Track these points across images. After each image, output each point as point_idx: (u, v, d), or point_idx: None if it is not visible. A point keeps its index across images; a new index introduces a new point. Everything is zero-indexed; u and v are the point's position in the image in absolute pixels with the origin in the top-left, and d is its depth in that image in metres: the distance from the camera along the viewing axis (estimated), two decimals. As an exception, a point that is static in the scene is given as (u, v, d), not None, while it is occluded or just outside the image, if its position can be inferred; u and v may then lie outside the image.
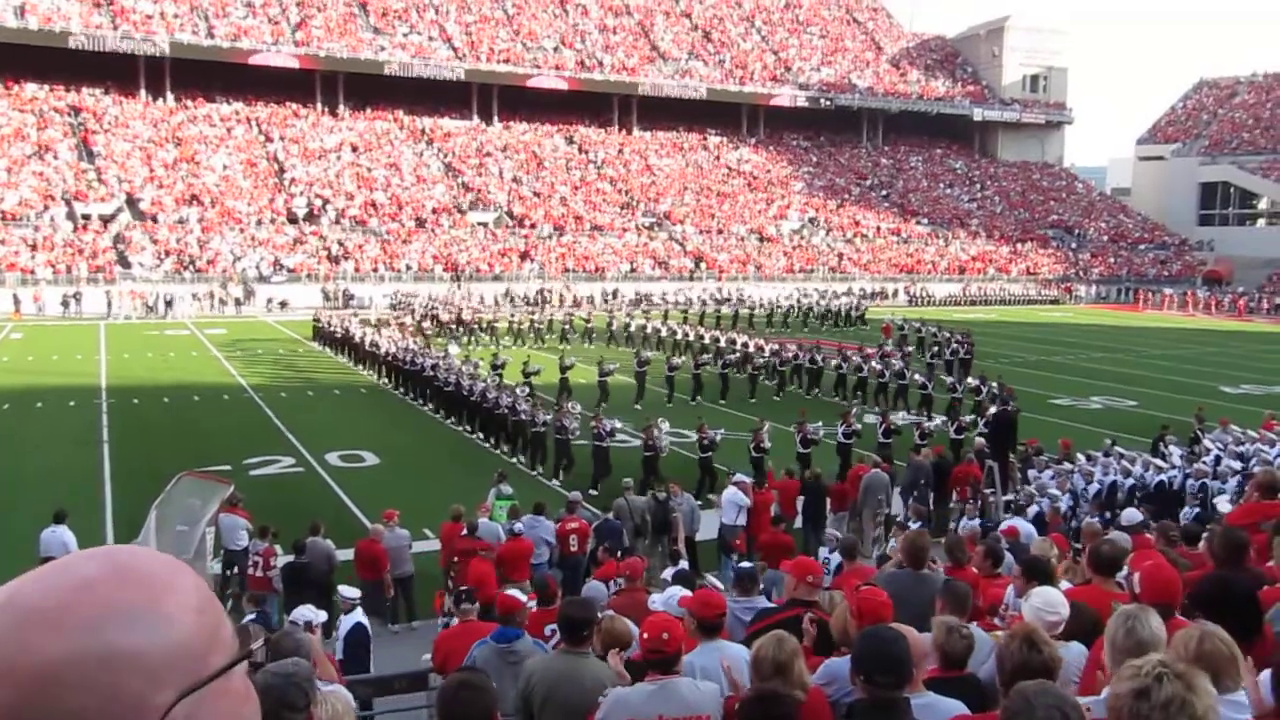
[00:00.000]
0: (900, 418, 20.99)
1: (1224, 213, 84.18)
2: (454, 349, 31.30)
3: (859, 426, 18.78)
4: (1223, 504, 11.82)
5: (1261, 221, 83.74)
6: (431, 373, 24.86)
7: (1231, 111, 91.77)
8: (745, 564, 8.35)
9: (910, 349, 33.26)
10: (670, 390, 26.41)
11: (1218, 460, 15.43)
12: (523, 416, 19.48)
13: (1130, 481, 14.94)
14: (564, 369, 25.41)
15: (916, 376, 26.35)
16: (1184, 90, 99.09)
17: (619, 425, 18.69)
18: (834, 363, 28.02)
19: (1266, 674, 3.02)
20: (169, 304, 47.34)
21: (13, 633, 0.91)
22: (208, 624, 0.99)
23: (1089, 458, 16.22)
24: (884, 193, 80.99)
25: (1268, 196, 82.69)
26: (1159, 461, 15.76)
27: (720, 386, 26.95)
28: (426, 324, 39.12)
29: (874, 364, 27.31)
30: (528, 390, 22.31)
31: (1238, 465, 14.97)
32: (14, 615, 0.92)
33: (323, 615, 7.55)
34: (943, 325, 37.55)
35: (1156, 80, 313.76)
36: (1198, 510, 13.24)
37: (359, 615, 9.17)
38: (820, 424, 18.55)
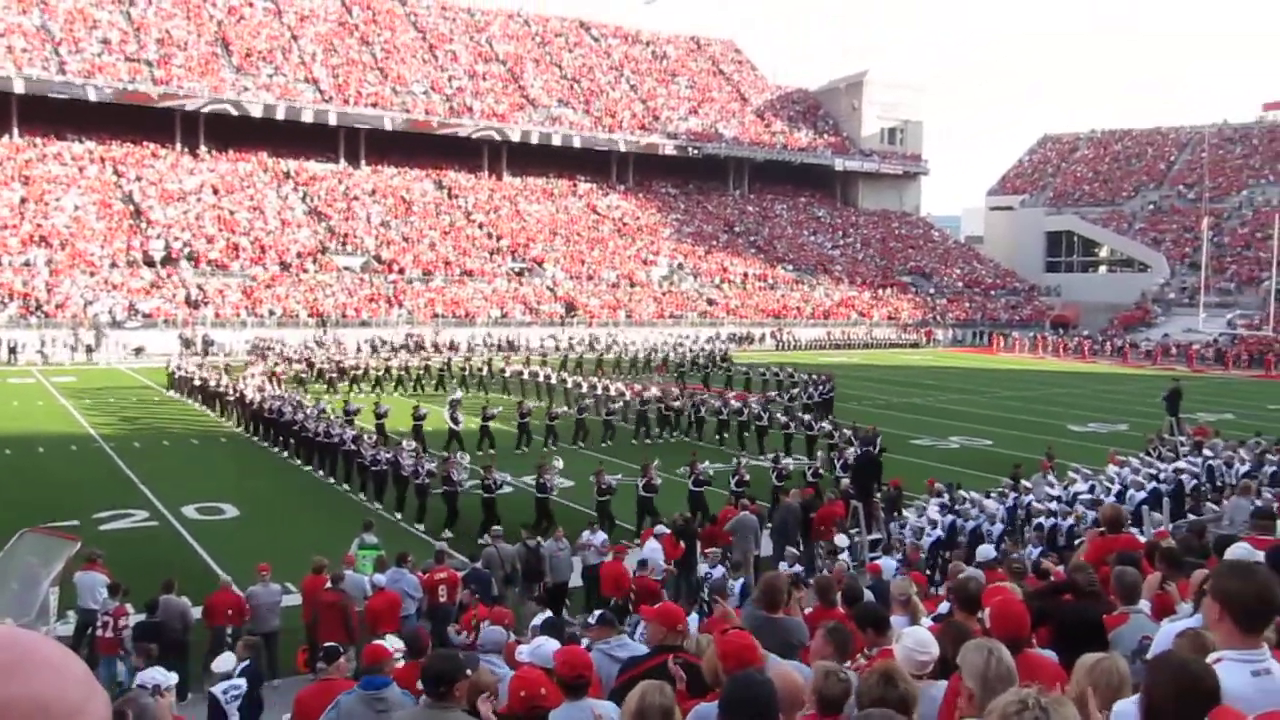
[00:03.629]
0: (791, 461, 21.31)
1: (1069, 260, 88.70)
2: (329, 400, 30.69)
3: (712, 473, 19.08)
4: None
5: (1103, 269, 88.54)
6: (280, 414, 24.45)
7: (1073, 165, 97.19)
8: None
9: (773, 393, 33.88)
10: (533, 436, 26.27)
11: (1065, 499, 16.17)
12: (365, 456, 19.45)
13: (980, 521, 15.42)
14: (454, 420, 25.32)
15: (780, 417, 26.93)
16: (1030, 145, 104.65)
17: (509, 478, 18.43)
18: (693, 405, 28.46)
19: (1130, 701, 3.15)
20: (13, 350, 44.99)
21: None
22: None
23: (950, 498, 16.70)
24: (751, 239, 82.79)
25: (1108, 245, 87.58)
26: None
27: (579, 431, 26.97)
28: (281, 368, 38.07)
29: (734, 404, 27.92)
30: (407, 435, 22.00)
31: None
32: None
33: (174, 677, 7.21)
34: (798, 368, 38.48)
35: (1004, 135, 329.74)
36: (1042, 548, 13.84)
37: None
38: (708, 463, 18.69)
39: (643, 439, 27.34)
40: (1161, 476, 17.63)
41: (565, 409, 28.91)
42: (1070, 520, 14.71)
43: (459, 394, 30.94)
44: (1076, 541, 13.04)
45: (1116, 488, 16.70)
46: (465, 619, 9.88)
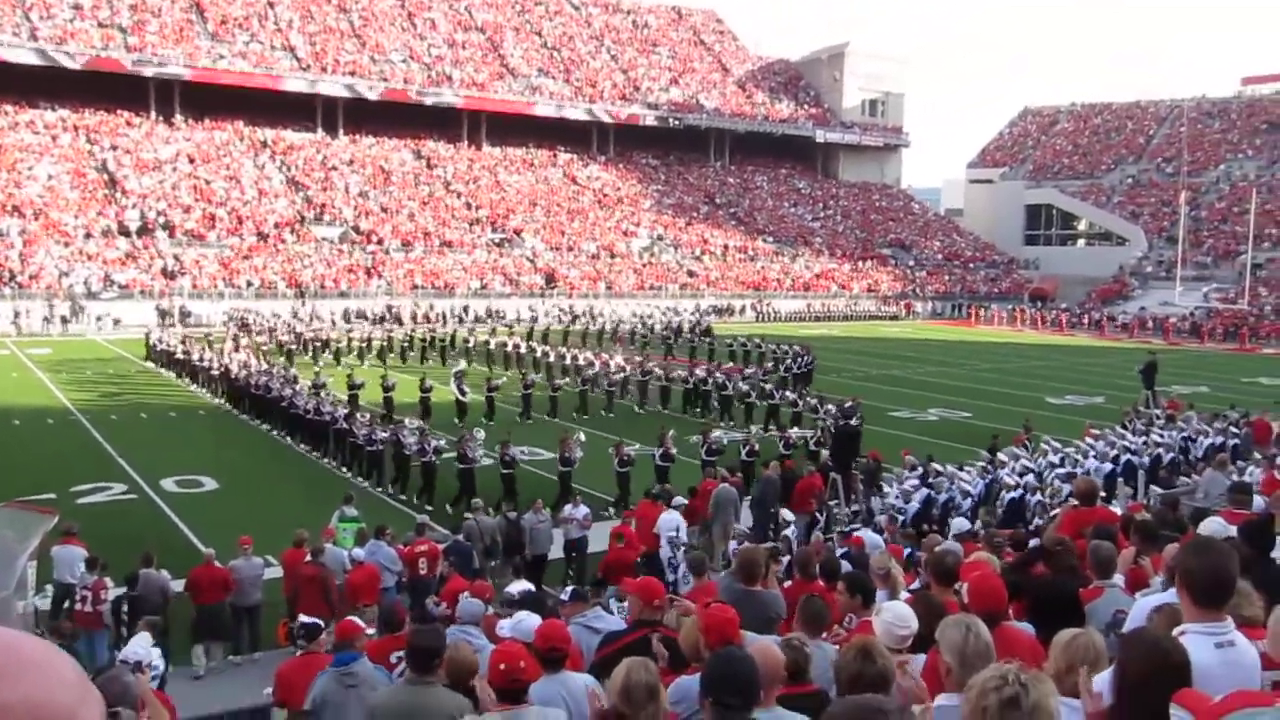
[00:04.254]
0: (755, 432, 21.39)
1: (1048, 233, 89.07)
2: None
3: (720, 445, 19.13)
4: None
5: (1081, 242, 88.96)
6: (274, 392, 24.10)
7: (1053, 139, 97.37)
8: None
9: (760, 366, 33.91)
10: (526, 408, 26.31)
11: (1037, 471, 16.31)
12: (358, 435, 19.21)
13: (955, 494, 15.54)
14: (424, 390, 25.24)
15: (767, 388, 27.02)
16: (1010, 118, 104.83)
17: (482, 446, 18.44)
18: (680, 375, 28.58)
19: (1105, 675, 3.20)
20: (-13, 322, 44.56)
21: None
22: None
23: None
24: (731, 211, 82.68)
25: (1086, 219, 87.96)
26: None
27: (578, 403, 27.04)
28: (264, 340, 37.98)
29: (718, 378, 27.89)
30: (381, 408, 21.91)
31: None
32: None
33: (155, 652, 7.20)
34: (781, 341, 38.60)
35: (985, 108, 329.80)
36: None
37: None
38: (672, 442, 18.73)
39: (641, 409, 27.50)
40: (1134, 449, 17.83)
41: (565, 380, 29.00)
42: (1040, 496, 14.83)
43: (462, 365, 30.81)
44: (1051, 515, 13.18)
45: (1090, 461, 16.84)
46: (445, 591, 9.93)
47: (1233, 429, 19.99)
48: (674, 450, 18.13)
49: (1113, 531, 6.73)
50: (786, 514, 14.46)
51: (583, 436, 18.77)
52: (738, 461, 18.17)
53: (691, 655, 4.69)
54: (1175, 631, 3.35)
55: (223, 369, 28.65)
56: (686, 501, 14.11)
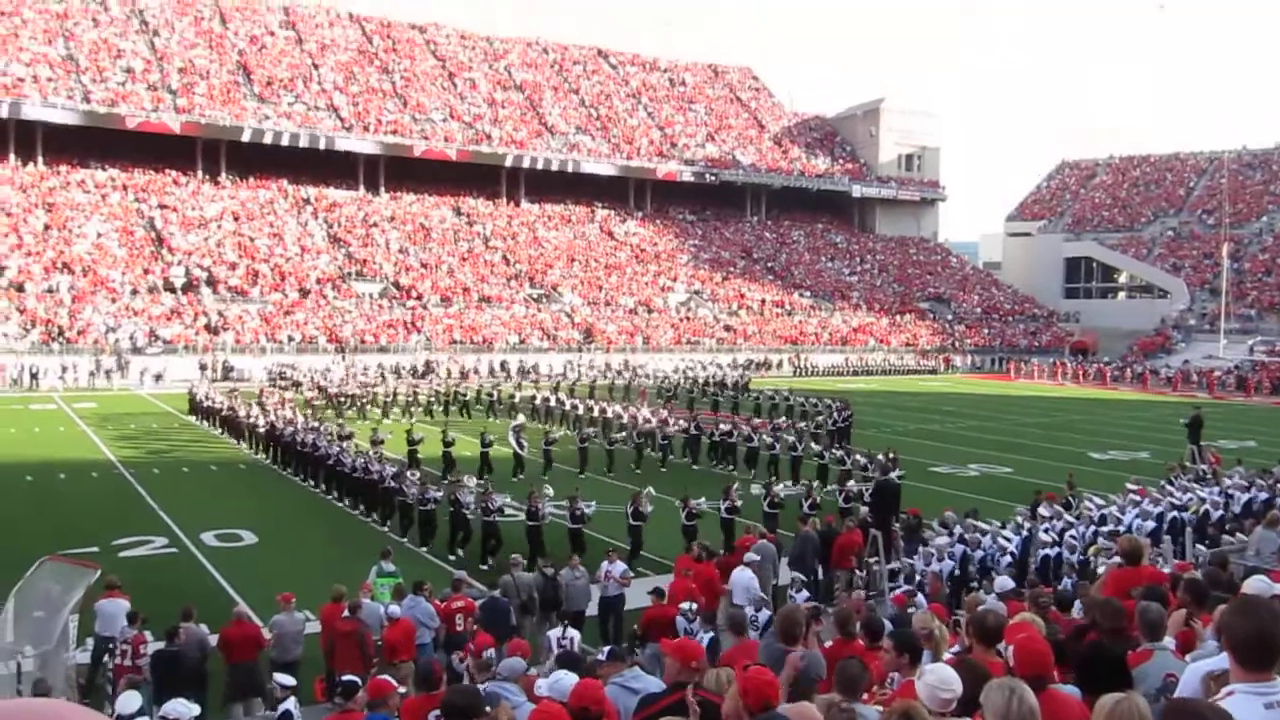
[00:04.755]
0: (782, 489, 21.18)
1: (1088, 286, 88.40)
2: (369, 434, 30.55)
3: (740, 502, 18.95)
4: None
5: (1122, 294, 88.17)
6: (315, 448, 24.20)
7: (1092, 191, 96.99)
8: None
9: (799, 421, 33.70)
10: (548, 462, 26.22)
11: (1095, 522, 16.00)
12: (409, 494, 19.04)
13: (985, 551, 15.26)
14: (446, 444, 25.29)
15: (814, 445, 26.78)
16: (1048, 171, 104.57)
17: (508, 499, 18.45)
18: (723, 430, 28.41)
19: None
20: (35, 376, 45.37)
21: None
22: None
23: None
24: (768, 265, 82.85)
25: (1126, 271, 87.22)
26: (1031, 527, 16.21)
27: (606, 459, 26.96)
28: (312, 395, 38.38)
29: (765, 436, 27.65)
30: (413, 465, 21.96)
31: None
32: None
33: (195, 709, 7.20)
34: (821, 395, 38.43)
35: (1022, 161, 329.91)
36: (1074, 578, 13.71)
37: (290, 704, 8.79)
38: (704, 498, 18.60)
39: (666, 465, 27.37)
40: (1180, 505, 17.47)
41: (593, 431, 29.01)
42: (1076, 555, 14.52)
43: (521, 419, 30.83)
44: (1077, 574, 12.91)
45: (1129, 518, 16.42)
46: (468, 648, 9.88)
47: (1278, 485, 19.55)
48: (739, 503, 18.47)
49: (1163, 592, 6.59)
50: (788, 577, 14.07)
51: (652, 491, 18.69)
52: (761, 516, 18.23)
53: (734, 718, 4.62)
54: (1223, 692, 3.28)
55: (268, 425, 28.53)
56: (757, 558, 13.85)
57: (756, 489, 20.89)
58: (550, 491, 18.59)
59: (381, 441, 24.73)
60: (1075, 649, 5.57)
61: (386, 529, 19.72)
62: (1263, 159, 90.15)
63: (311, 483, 24.30)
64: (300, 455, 25.37)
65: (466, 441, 27.12)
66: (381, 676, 6.64)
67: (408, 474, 20.33)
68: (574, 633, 11.04)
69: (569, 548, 16.22)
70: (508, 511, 18.11)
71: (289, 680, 8.96)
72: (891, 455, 22.23)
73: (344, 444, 23.99)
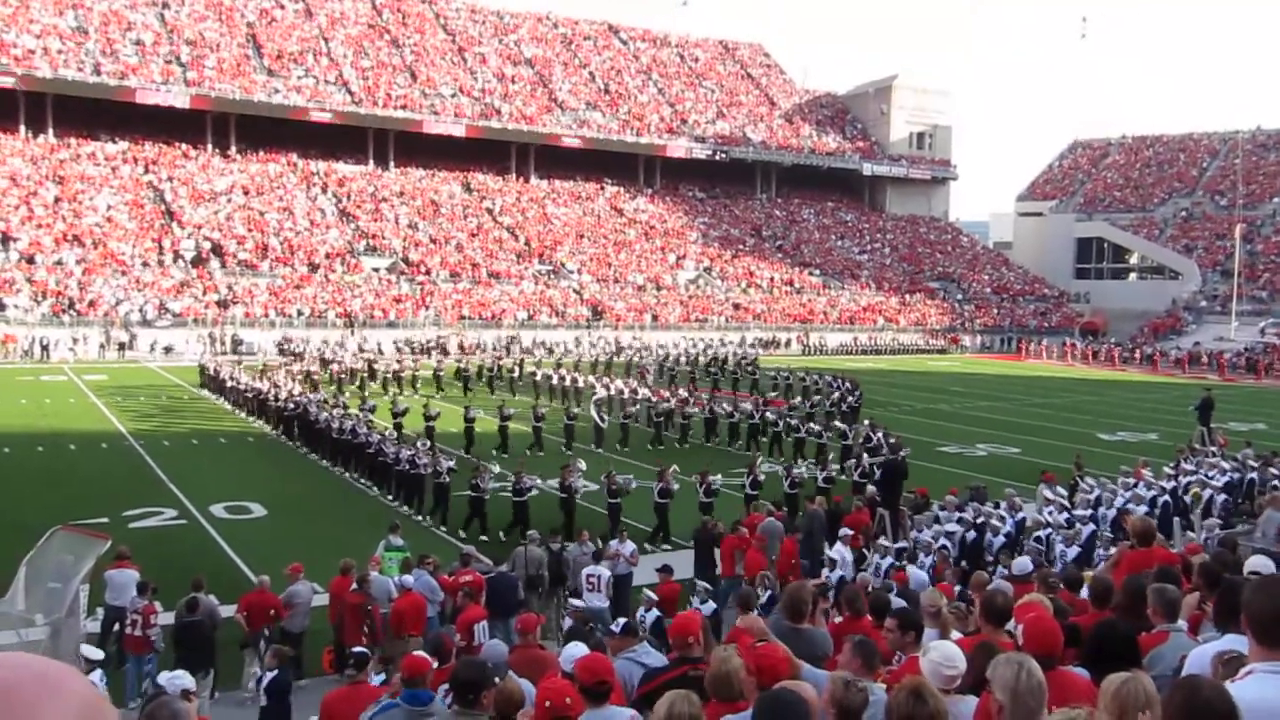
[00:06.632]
0: (805, 469, 21.20)
1: (1099, 267, 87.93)
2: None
3: (763, 477, 18.99)
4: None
5: (1133, 275, 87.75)
6: (323, 421, 24.28)
7: (1104, 171, 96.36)
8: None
9: (798, 399, 33.57)
10: (569, 439, 26.33)
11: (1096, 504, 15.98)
12: (422, 469, 19.09)
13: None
14: (468, 419, 25.51)
15: (813, 425, 26.74)
16: (1059, 150, 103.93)
17: (538, 481, 18.32)
18: (726, 410, 28.44)
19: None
20: (45, 348, 45.52)
21: None
22: None
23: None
24: (778, 244, 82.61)
25: (1138, 252, 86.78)
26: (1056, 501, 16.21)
27: (620, 435, 27.00)
28: (316, 370, 38.40)
29: (768, 414, 27.63)
30: (428, 440, 22.04)
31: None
32: None
33: (190, 680, 7.21)
34: (829, 374, 38.35)
35: (1034, 140, 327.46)
36: (1077, 552, 13.71)
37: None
38: (720, 475, 18.63)
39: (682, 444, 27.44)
40: (1175, 489, 17.45)
41: (580, 409, 29.08)
42: (1064, 535, 14.51)
43: (601, 392, 31.10)
44: (1097, 555, 12.89)
45: (1118, 502, 16.27)
46: (459, 621, 9.94)
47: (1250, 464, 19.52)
48: (762, 478, 18.73)
49: (1177, 574, 6.57)
50: (836, 552, 13.96)
51: (583, 465, 18.77)
52: (782, 495, 18.08)
53: (738, 693, 4.62)
54: (1242, 672, 3.25)
55: (284, 400, 28.28)
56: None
57: (768, 468, 20.90)
58: (583, 466, 18.71)
59: (404, 412, 25.28)
60: (1083, 627, 5.55)
61: (396, 503, 19.75)
62: (1277, 140, 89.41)
63: (316, 455, 24.40)
64: (304, 427, 25.51)
65: (485, 419, 27.14)
66: (417, 653, 6.59)
67: (419, 446, 20.43)
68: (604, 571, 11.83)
69: (608, 524, 16.63)
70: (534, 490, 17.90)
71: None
72: (891, 438, 22.22)
73: (334, 411, 24.42)
